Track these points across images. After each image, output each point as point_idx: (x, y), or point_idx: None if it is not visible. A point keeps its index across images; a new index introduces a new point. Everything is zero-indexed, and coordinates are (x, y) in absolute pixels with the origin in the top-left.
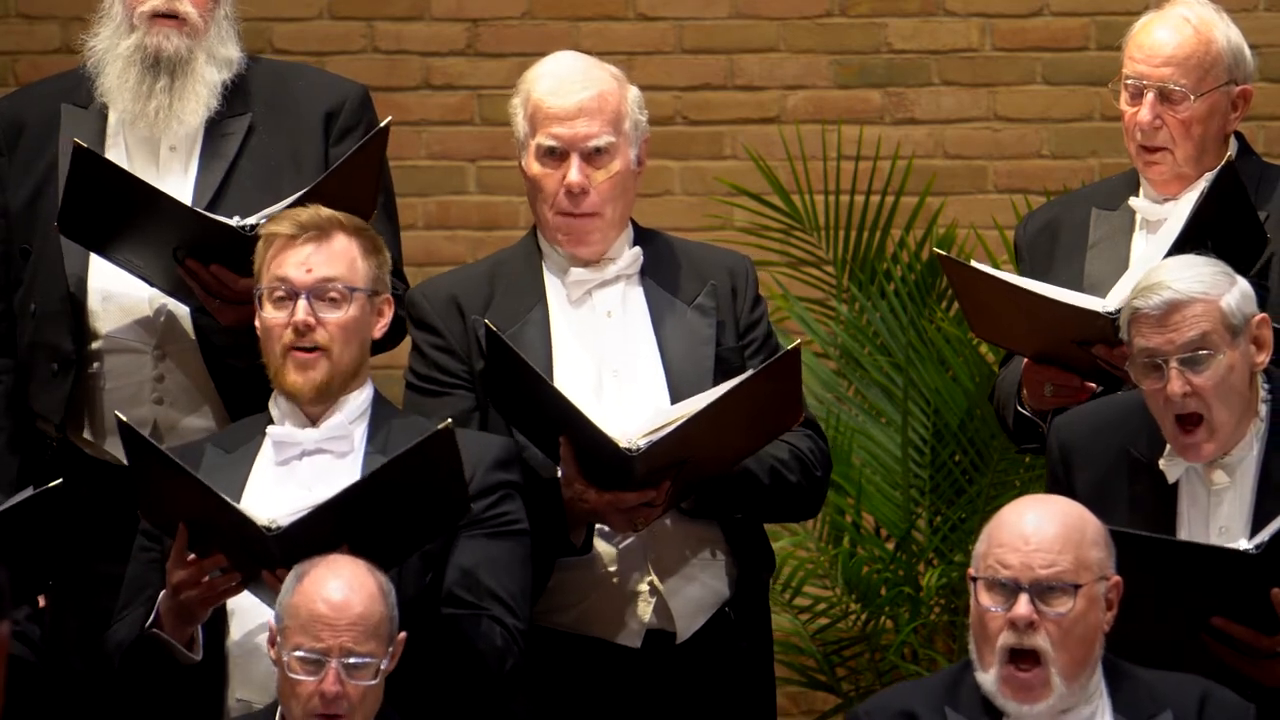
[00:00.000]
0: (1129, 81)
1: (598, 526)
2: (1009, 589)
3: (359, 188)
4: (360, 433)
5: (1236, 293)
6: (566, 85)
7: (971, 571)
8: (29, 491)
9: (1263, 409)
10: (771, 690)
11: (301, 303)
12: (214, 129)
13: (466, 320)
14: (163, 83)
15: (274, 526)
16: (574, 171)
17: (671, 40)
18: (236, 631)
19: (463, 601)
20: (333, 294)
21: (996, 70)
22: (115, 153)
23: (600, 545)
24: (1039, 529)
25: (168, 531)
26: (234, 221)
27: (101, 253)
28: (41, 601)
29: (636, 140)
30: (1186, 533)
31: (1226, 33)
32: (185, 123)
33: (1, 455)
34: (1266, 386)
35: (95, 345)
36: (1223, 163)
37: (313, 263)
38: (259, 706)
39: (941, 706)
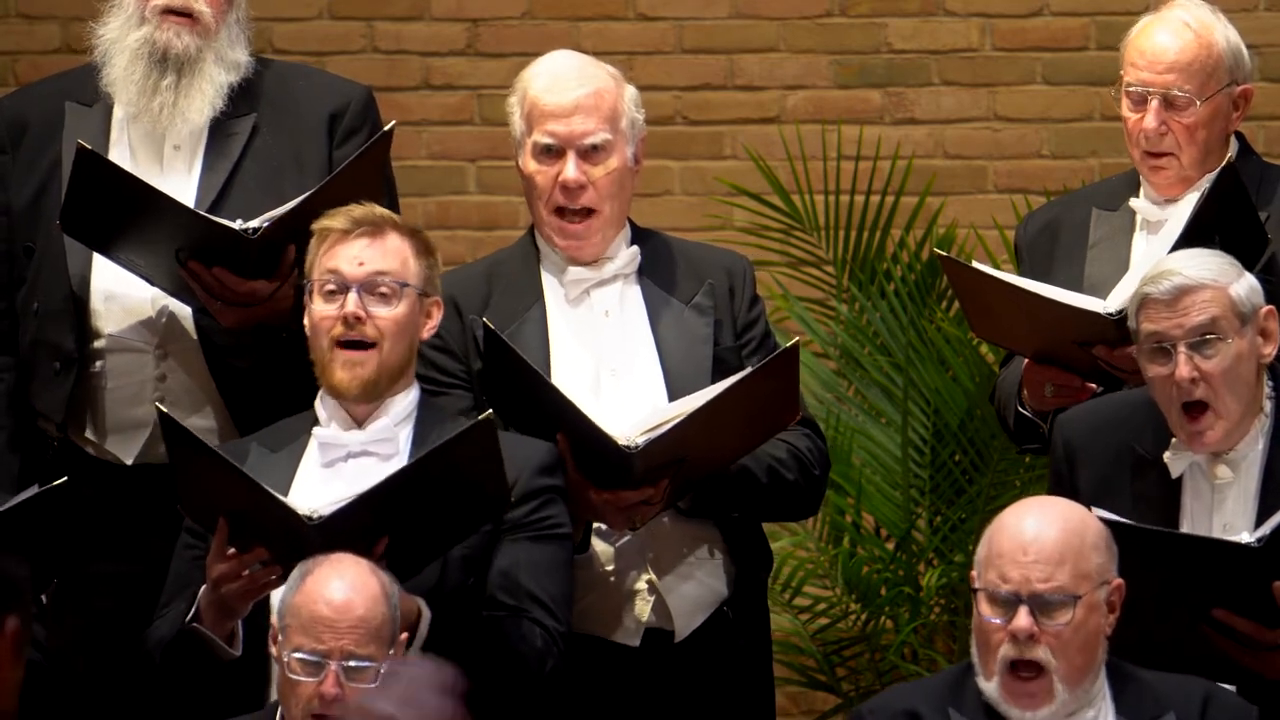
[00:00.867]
0: (1131, 89)
1: (596, 525)
2: (1009, 602)
3: (364, 191)
4: (405, 435)
5: (1245, 283)
6: (563, 82)
7: (973, 579)
8: (34, 490)
9: (1268, 405)
10: (770, 689)
11: (352, 295)
12: (218, 129)
13: (464, 320)
14: (169, 80)
15: (315, 516)
16: (570, 168)
17: (671, 40)
18: None
19: (504, 604)
20: (383, 289)
21: (996, 70)
22: (119, 150)
23: (598, 544)
24: (1038, 538)
25: (208, 526)
26: (236, 225)
27: (103, 252)
28: (43, 600)
29: (633, 138)
30: (1190, 528)
31: (1225, 33)
32: (190, 121)
33: (2, 454)
34: (1271, 384)
35: (97, 344)
36: (1223, 164)
37: (365, 257)
38: None
39: (945, 707)
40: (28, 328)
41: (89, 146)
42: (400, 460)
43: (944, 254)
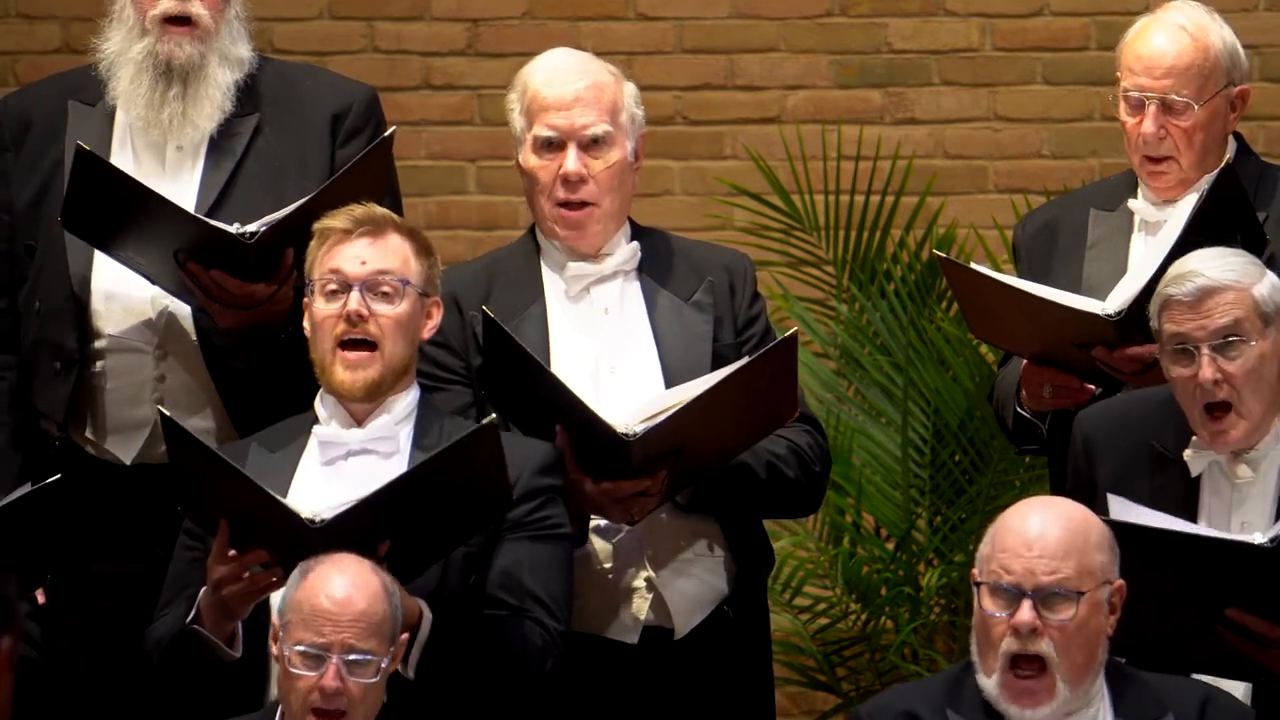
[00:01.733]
0: (1129, 94)
1: (595, 522)
2: (1012, 595)
3: (364, 196)
4: (406, 434)
5: (1267, 283)
6: (563, 76)
7: (975, 575)
8: (27, 487)
9: None
10: (770, 688)
11: (354, 294)
12: (221, 129)
13: (464, 317)
14: (175, 90)
15: (317, 520)
16: (571, 160)
17: (671, 40)
18: None
19: (504, 603)
20: (386, 287)
21: (996, 70)
22: (122, 151)
23: (597, 541)
24: (1043, 534)
25: (208, 528)
26: (234, 228)
27: (104, 249)
28: (41, 599)
29: (633, 134)
30: (1209, 526)
31: (1221, 34)
32: (199, 128)
33: (4, 453)
34: None
35: (98, 344)
36: (1221, 165)
37: (367, 256)
38: None
39: (943, 708)
40: (30, 327)
41: (87, 148)
42: (401, 458)
43: (943, 255)
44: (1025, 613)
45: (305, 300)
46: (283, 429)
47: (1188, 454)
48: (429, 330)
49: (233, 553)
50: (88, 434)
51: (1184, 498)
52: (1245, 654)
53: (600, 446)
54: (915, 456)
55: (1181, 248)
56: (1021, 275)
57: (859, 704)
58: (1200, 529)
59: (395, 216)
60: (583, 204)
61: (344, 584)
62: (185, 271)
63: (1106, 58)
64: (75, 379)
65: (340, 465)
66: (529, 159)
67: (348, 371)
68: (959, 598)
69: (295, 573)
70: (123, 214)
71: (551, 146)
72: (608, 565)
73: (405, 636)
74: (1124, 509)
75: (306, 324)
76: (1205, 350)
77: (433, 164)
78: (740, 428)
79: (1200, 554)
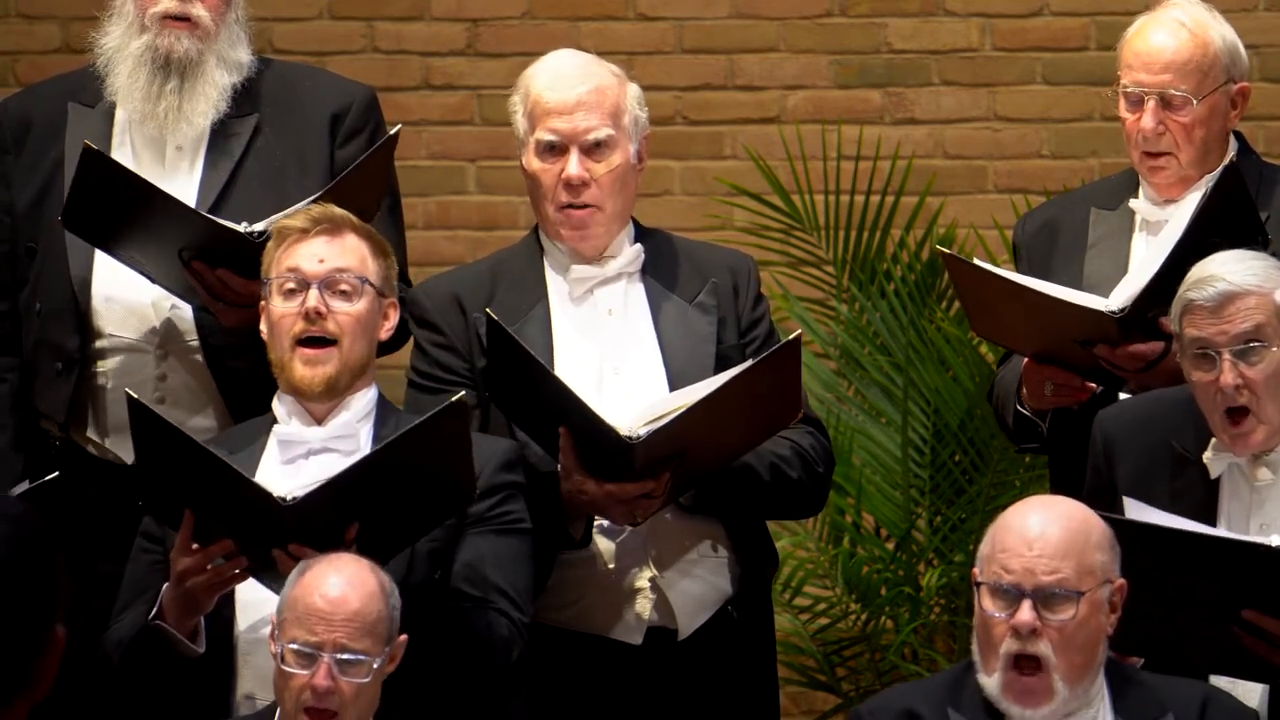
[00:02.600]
0: (1128, 90)
1: (598, 522)
2: (1012, 595)
3: (368, 195)
4: (366, 431)
5: None
6: (565, 80)
7: (976, 574)
8: (25, 485)
9: None
10: (774, 689)
11: (313, 291)
12: (220, 129)
13: (468, 318)
14: (172, 84)
15: (289, 499)
16: (573, 164)
17: (671, 40)
18: (244, 624)
19: (469, 595)
20: (344, 285)
21: (996, 70)
22: (122, 152)
23: (600, 541)
24: (1043, 534)
25: (172, 522)
26: (242, 228)
27: (105, 248)
28: None
29: (636, 136)
30: (1228, 528)
31: (1221, 32)
32: (194, 125)
33: (5, 454)
34: None
35: (99, 344)
36: (1225, 164)
37: (325, 254)
38: (264, 703)
39: (944, 707)
40: (31, 328)
41: (95, 147)
42: (361, 455)
43: (946, 251)
44: (1025, 613)
45: (262, 302)
46: (240, 431)
47: (1207, 456)
48: (386, 331)
49: (196, 544)
50: (89, 434)
51: (1203, 500)
52: (1263, 656)
53: (603, 449)
54: (915, 456)
55: (1185, 246)
56: (1022, 274)
57: (859, 704)
58: (1216, 530)
59: (353, 217)
60: (586, 206)
61: (339, 583)
62: (190, 270)
63: (1106, 58)
64: (76, 379)
65: (301, 464)
66: (532, 162)
67: (306, 368)
68: (959, 598)
69: (295, 570)
70: (127, 213)
71: (554, 150)
72: (612, 566)
73: (404, 637)
74: (1141, 513)
75: (264, 325)
76: (1226, 355)
77: (433, 164)
78: (743, 430)
79: (1217, 556)
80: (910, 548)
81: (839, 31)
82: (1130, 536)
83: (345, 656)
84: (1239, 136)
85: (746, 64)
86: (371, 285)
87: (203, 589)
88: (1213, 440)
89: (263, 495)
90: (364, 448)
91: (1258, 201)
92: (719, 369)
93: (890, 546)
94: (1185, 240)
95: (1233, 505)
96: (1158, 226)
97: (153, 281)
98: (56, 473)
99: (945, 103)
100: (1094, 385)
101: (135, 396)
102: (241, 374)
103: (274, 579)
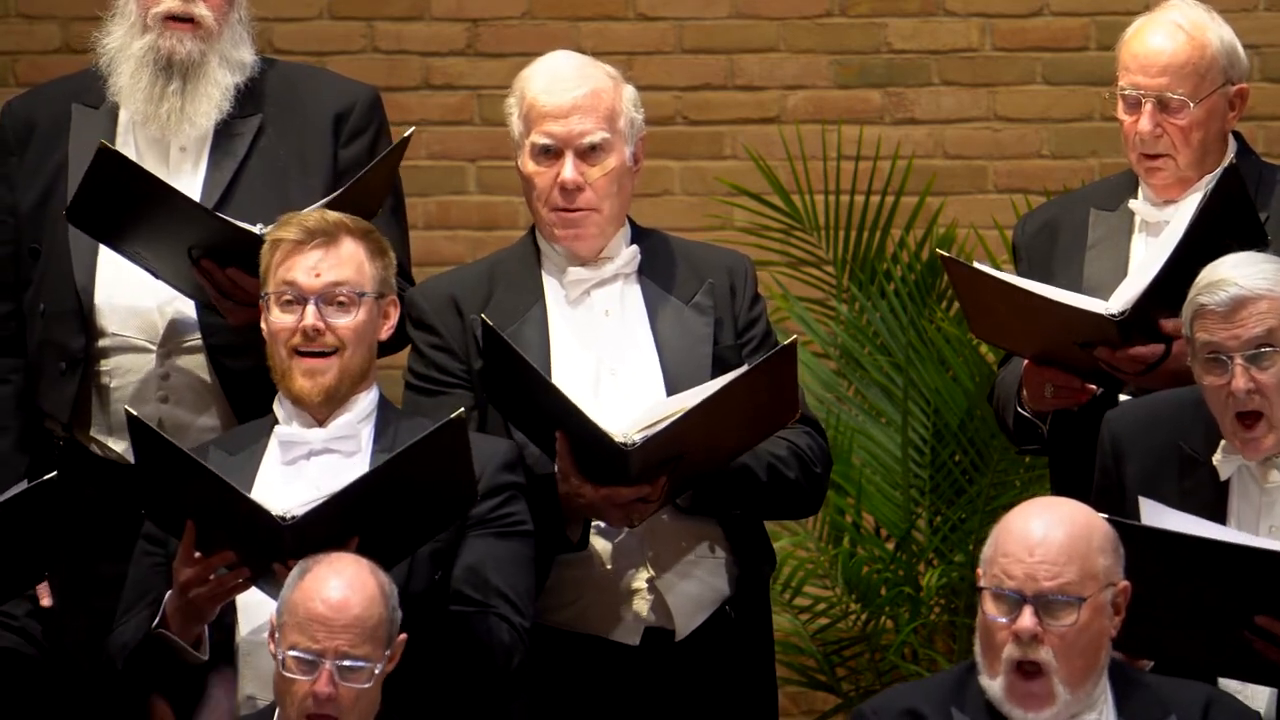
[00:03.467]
0: (1126, 92)
1: (595, 523)
2: (1013, 600)
3: (377, 197)
4: (367, 433)
5: None
6: (560, 83)
7: (978, 577)
8: (24, 484)
9: None
10: (773, 690)
11: (310, 308)
12: (224, 129)
13: (465, 320)
14: (175, 85)
15: (288, 517)
16: (568, 169)
17: (671, 40)
18: (245, 628)
19: (470, 599)
20: (341, 298)
21: (996, 70)
22: (125, 152)
23: (598, 542)
24: (1045, 539)
25: (174, 531)
26: (256, 228)
27: (109, 243)
28: (46, 601)
29: (632, 138)
30: (1237, 530)
31: (1219, 33)
32: (197, 125)
33: (10, 454)
34: None
35: (102, 344)
36: (1225, 165)
37: (321, 268)
38: (265, 703)
39: (947, 706)
40: (35, 328)
41: (111, 146)
42: (363, 457)
43: (945, 254)
44: (1026, 620)
45: (261, 308)
46: (241, 432)
47: (1217, 458)
48: (387, 330)
49: (199, 555)
50: (93, 433)
51: (1212, 501)
52: (1275, 661)
53: (599, 454)
54: (915, 456)
55: (1185, 249)
56: (1021, 275)
57: (859, 704)
58: (1228, 535)
59: (348, 219)
60: (581, 209)
61: (340, 587)
62: (199, 269)
63: (1106, 58)
64: (80, 379)
65: (302, 465)
66: (527, 165)
67: (306, 379)
68: (959, 598)
69: (294, 571)
70: (138, 210)
71: (549, 154)
72: (609, 566)
73: (403, 638)
74: (1155, 512)
75: (264, 331)
76: (1238, 360)
77: (433, 164)
78: (740, 432)
79: (1229, 561)
80: (910, 548)
81: (839, 31)
82: (1140, 542)
83: (346, 663)
84: (1238, 137)
85: (746, 64)
86: (369, 295)
87: (206, 599)
88: (1222, 442)
89: (262, 514)
90: (365, 448)
91: (1257, 202)
92: (716, 370)
93: (890, 546)
94: (1185, 242)
95: (1242, 507)
96: (1157, 227)
97: (156, 277)
98: (54, 473)
99: (945, 103)
100: (1094, 387)
101: (135, 414)
102: (244, 373)
103: (274, 586)
